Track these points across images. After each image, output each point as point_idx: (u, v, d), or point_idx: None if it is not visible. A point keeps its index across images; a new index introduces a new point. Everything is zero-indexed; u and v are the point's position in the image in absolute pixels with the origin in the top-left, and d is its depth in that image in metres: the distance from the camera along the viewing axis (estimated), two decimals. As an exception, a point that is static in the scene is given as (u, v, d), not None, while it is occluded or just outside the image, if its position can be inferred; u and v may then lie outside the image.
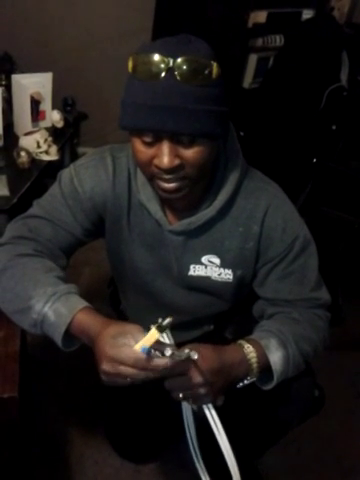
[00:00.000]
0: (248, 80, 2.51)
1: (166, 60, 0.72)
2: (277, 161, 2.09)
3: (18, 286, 0.84)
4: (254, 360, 0.84)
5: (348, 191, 2.09)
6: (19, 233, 0.94)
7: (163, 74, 0.73)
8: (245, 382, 0.86)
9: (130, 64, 0.77)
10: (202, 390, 0.76)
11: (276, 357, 0.87)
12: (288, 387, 0.95)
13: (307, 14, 2.58)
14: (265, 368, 0.86)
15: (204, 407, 0.78)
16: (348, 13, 2.79)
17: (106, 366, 0.70)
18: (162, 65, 0.73)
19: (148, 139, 0.78)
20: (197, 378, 0.76)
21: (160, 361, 0.70)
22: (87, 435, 1.44)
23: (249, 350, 0.85)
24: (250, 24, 2.32)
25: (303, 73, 2.12)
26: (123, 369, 0.69)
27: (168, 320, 0.68)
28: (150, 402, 1.25)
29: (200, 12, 2.35)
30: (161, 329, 0.67)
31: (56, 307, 0.79)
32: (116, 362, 0.69)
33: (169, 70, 0.73)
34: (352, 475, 1.47)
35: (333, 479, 1.45)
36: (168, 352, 0.70)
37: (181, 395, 0.76)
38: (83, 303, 0.81)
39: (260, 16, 2.35)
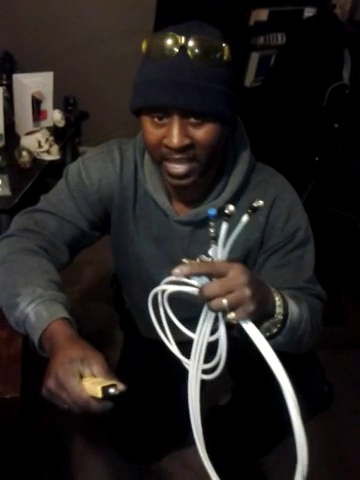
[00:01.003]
0: (250, 78, 2.51)
1: (179, 39, 0.75)
2: (279, 160, 2.08)
3: (10, 281, 0.84)
4: (278, 297, 0.79)
5: (350, 190, 2.08)
6: (25, 225, 0.94)
7: (176, 51, 0.75)
8: (270, 321, 0.79)
9: (144, 46, 0.79)
10: (247, 291, 0.66)
11: (293, 309, 0.82)
12: (299, 382, 0.94)
13: (309, 12, 2.58)
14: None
15: (243, 323, 0.67)
16: (350, 11, 2.78)
17: (51, 383, 0.68)
18: (175, 43, 0.75)
19: (159, 115, 0.79)
20: (241, 277, 0.67)
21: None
22: (89, 435, 1.44)
23: (273, 289, 0.80)
24: (251, 22, 2.32)
25: (305, 71, 2.11)
26: (64, 395, 0.67)
27: (113, 390, 0.64)
28: (153, 401, 1.25)
29: (201, 10, 2.34)
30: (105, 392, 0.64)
31: (38, 309, 0.78)
32: (61, 386, 0.67)
33: (182, 48, 0.75)
34: (355, 475, 1.46)
35: (336, 479, 1.45)
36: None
37: (225, 301, 0.65)
38: (65, 313, 0.79)
39: (261, 14, 2.35)
